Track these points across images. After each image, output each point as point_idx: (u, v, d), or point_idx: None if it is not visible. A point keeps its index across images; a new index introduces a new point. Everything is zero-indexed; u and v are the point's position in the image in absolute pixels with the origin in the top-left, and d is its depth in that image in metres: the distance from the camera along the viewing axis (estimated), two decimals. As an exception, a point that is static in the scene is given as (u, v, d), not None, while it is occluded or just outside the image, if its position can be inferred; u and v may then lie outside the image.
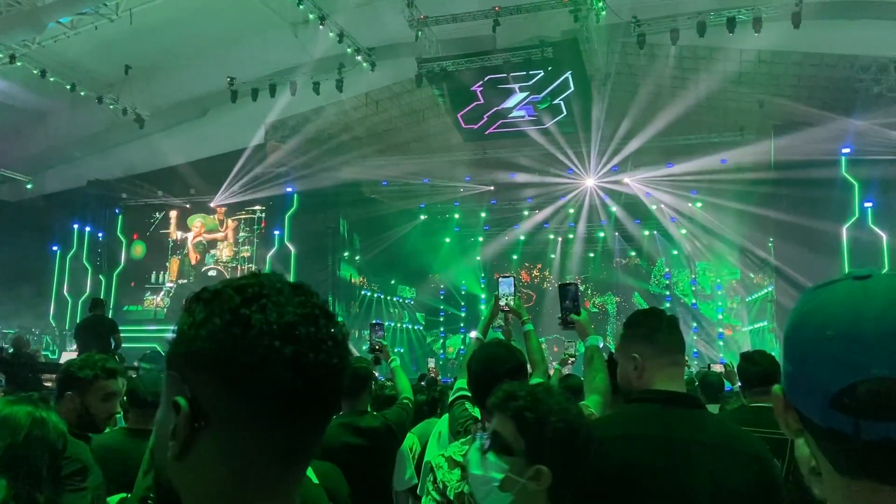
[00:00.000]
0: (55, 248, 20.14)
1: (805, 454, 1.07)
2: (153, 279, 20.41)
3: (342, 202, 20.11)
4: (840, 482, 0.72)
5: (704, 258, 21.29)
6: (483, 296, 24.03)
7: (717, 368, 8.02)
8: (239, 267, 19.54)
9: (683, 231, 20.99)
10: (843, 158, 14.61)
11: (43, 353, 15.86)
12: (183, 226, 20.52)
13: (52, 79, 15.32)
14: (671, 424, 2.04)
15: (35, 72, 14.93)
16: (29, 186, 19.73)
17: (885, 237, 13.95)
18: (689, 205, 19.70)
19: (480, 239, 23.82)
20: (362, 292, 22.19)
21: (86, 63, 15.76)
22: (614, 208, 20.96)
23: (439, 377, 12.13)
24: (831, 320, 0.72)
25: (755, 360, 3.83)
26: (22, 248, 18.85)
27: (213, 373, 0.79)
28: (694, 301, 22.10)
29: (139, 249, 20.73)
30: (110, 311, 16.53)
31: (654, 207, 20.22)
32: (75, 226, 20.24)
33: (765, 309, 18.27)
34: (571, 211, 21.40)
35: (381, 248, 21.98)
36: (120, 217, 20.81)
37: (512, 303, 3.42)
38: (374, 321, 5.37)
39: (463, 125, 16.31)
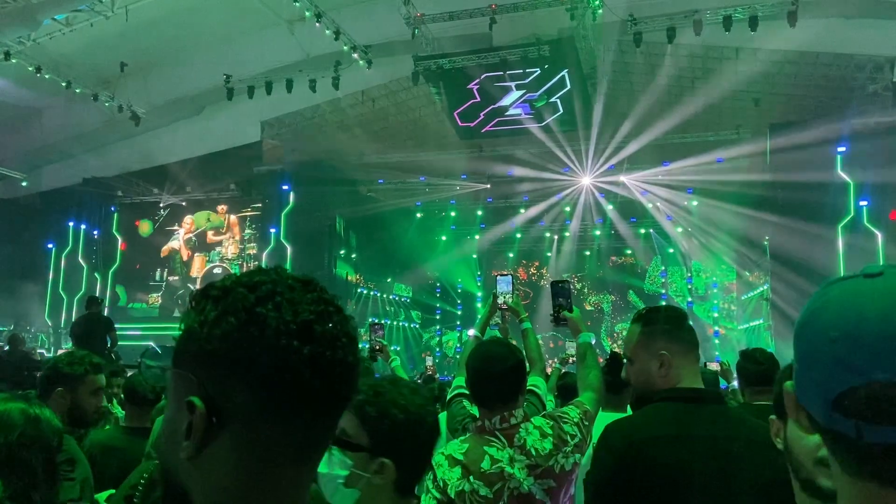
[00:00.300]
0: (50, 245, 20.08)
1: (810, 445, 1.07)
2: (157, 277, 20.39)
3: (338, 200, 20.04)
4: (848, 482, 0.71)
5: (700, 256, 21.30)
6: (479, 293, 24.03)
7: (713, 367, 8.05)
8: (244, 264, 19.52)
9: (679, 229, 21.02)
10: (839, 157, 14.62)
11: (38, 350, 15.79)
12: (177, 223, 20.48)
13: (47, 76, 15.25)
14: (713, 423, 2.04)
15: (30, 69, 14.86)
16: (24, 184, 19.62)
17: (879, 236, 13.98)
18: (685, 202, 19.74)
19: (477, 237, 23.79)
20: (358, 290, 22.15)
21: (81, 60, 15.68)
22: (610, 206, 20.97)
23: (437, 375, 12.14)
24: (836, 320, 0.70)
25: (756, 358, 3.82)
26: (17, 246, 18.77)
27: (229, 373, 0.78)
28: (689, 300, 22.12)
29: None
30: (105, 309, 16.47)
31: (649, 206, 20.24)
32: (71, 223, 20.17)
33: (760, 307, 18.30)
34: (567, 209, 21.41)
35: (378, 246, 21.93)
36: (115, 214, 20.73)
37: (510, 301, 3.42)
38: (374, 321, 5.33)
39: (459, 123, 16.28)
